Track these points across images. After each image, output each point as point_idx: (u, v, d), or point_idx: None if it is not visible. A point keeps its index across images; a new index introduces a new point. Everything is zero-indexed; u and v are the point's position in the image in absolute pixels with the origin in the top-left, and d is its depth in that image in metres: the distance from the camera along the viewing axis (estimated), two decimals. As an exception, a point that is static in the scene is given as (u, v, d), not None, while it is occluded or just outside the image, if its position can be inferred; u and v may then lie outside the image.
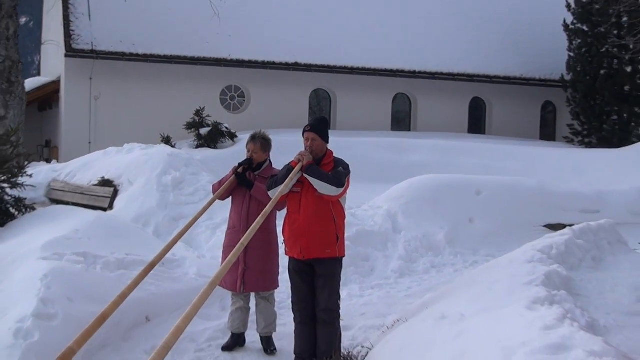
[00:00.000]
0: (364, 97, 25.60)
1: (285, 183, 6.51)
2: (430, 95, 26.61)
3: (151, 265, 5.82)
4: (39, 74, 29.99)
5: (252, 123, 20.82)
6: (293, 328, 7.02)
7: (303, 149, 6.80)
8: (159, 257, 6.05)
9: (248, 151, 7.55)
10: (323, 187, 6.61)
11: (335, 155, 7.04)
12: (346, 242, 9.91)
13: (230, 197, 7.53)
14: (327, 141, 6.97)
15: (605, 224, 8.14)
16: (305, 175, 6.64)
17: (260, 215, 5.96)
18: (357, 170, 16.38)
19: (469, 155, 18.70)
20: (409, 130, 26.26)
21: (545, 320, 4.79)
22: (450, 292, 6.68)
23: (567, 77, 26.39)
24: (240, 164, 7.41)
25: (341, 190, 6.69)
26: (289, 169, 6.70)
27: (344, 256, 7.03)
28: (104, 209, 12.22)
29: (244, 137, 15.34)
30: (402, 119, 26.97)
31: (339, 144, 18.11)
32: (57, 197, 13.64)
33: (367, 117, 25.38)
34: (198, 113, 19.27)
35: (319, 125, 6.97)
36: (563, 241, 7.20)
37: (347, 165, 6.93)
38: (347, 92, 25.62)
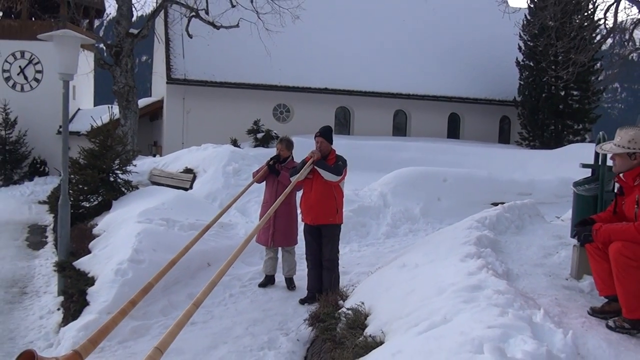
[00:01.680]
0: (373, 112, 25.44)
1: (301, 172, 6.59)
2: (420, 111, 26.37)
3: (206, 228, 5.77)
4: (150, 94, 30.30)
5: (294, 130, 20.89)
6: (306, 272, 7.11)
7: (315, 149, 6.87)
8: (212, 222, 6.02)
9: (277, 149, 7.62)
10: (328, 176, 6.68)
11: (343, 153, 7.08)
12: (349, 214, 10.07)
13: (265, 181, 7.58)
14: (331, 143, 6.97)
15: (528, 202, 8.03)
16: (315, 167, 6.70)
17: (283, 193, 6.05)
18: (363, 163, 16.55)
19: (445, 154, 18.54)
20: (405, 135, 26.05)
21: (469, 269, 4.81)
22: (413, 248, 6.68)
23: (518, 99, 26.00)
24: (271, 158, 7.48)
25: (340, 177, 6.76)
26: (304, 162, 6.77)
27: (342, 223, 7.05)
28: (186, 189, 12.34)
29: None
30: (400, 128, 26.74)
31: (353, 146, 18.34)
32: (155, 180, 13.86)
33: (375, 126, 25.23)
34: (256, 123, 19.34)
35: (325, 132, 6.98)
36: (495, 214, 7.13)
37: (345, 160, 6.95)
38: (361, 109, 25.48)
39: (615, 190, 4.42)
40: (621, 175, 4.16)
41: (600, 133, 5.73)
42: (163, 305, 6.65)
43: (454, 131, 27.54)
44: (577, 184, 6.79)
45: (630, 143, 4.05)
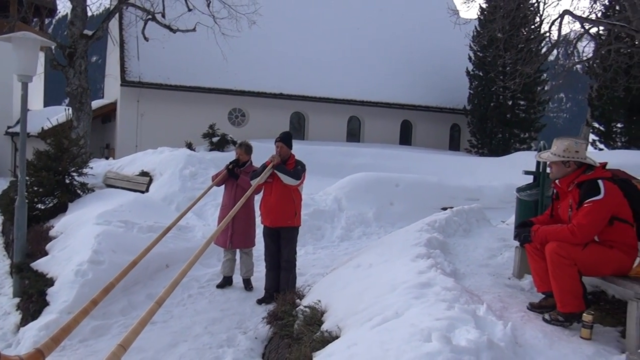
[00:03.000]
0: (327, 118, 25.81)
1: (261, 176, 6.77)
2: (374, 118, 26.87)
3: (167, 229, 5.89)
4: (103, 96, 29.90)
5: (250, 135, 21.08)
6: (264, 273, 7.29)
7: (275, 153, 7.08)
8: (173, 224, 6.13)
9: (236, 154, 7.80)
10: (287, 179, 6.89)
11: (298, 157, 7.29)
12: (305, 217, 10.23)
13: (224, 185, 7.73)
14: (290, 148, 7.16)
15: (475, 207, 8.42)
16: (275, 171, 6.89)
17: (244, 196, 6.24)
18: (318, 168, 16.79)
19: (397, 160, 18.88)
20: (359, 141, 26.50)
21: (420, 268, 5.13)
22: (367, 249, 6.96)
23: (468, 107, 26.78)
24: (230, 162, 7.65)
25: (299, 181, 6.98)
26: (264, 166, 6.97)
27: (300, 225, 7.28)
28: (142, 192, 12.33)
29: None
30: (354, 134, 27.17)
31: (308, 150, 18.51)
32: (110, 183, 13.74)
33: (330, 132, 25.62)
34: (211, 127, 19.34)
35: (285, 138, 7.17)
36: (444, 218, 7.49)
37: (304, 164, 7.18)
38: (316, 114, 25.80)
39: (552, 195, 4.81)
40: (557, 181, 4.55)
41: (541, 142, 6.17)
42: (123, 306, 6.76)
43: (406, 138, 28.14)
44: (519, 190, 7.23)
45: (565, 152, 4.44)
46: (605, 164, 4.50)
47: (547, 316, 4.34)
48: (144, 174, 13.29)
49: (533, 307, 4.61)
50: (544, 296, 4.63)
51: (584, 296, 4.23)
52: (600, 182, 4.27)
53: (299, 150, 17.27)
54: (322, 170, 15.17)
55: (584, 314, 4.08)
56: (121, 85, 22.51)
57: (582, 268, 4.20)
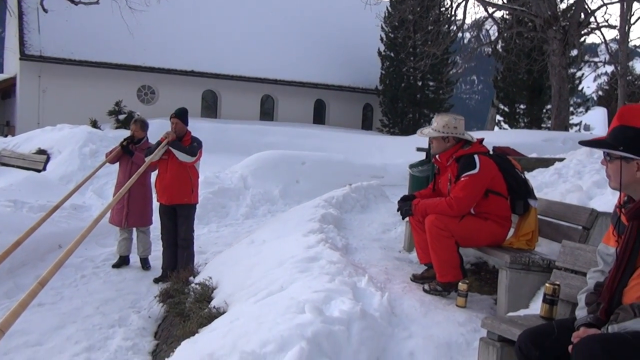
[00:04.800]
0: (241, 96, 25.56)
1: (155, 152, 6.63)
2: (288, 97, 26.87)
3: (54, 208, 5.62)
4: (2, 71, 28.24)
5: (160, 112, 20.41)
6: (162, 251, 7.17)
7: (170, 130, 6.92)
8: (61, 203, 5.85)
9: (131, 130, 7.57)
10: (182, 156, 6.77)
11: (205, 136, 7.20)
12: (208, 195, 10.16)
13: (119, 162, 7.50)
14: (186, 124, 7.01)
15: (373, 183, 8.58)
16: (170, 148, 6.75)
17: (136, 172, 6.09)
18: (228, 146, 16.61)
19: (309, 139, 18.90)
20: (272, 120, 26.42)
21: (309, 243, 5.17)
22: (264, 226, 6.98)
23: (380, 88, 27.23)
24: (125, 139, 7.42)
25: (195, 158, 6.87)
26: (159, 143, 6.82)
27: (197, 203, 7.19)
28: (39, 171, 11.82)
29: (152, 122, 15.16)
30: (268, 113, 27.10)
31: (219, 129, 18.28)
32: (5, 161, 13.06)
33: (243, 111, 25.36)
34: (117, 104, 18.73)
35: (181, 114, 7.03)
36: (342, 194, 7.59)
37: (201, 141, 7.06)
38: (229, 92, 25.52)
39: (435, 170, 4.96)
40: (437, 156, 4.69)
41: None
42: (8, 288, 6.44)
43: (319, 117, 28.32)
44: (411, 166, 7.44)
45: (444, 128, 4.57)
46: (482, 139, 4.68)
47: (426, 286, 4.49)
48: (40, 152, 12.72)
49: (415, 279, 4.75)
50: (426, 267, 4.78)
51: (461, 266, 4.40)
52: (476, 157, 4.43)
53: (210, 128, 17.17)
54: (233, 149, 15.04)
55: (460, 283, 4.25)
56: (20, 59, 21.41)
57: (459, 239, 4.37)
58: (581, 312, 2.57)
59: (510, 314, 3.56)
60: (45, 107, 21.79)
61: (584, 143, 2.68)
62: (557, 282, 3.11)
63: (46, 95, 21.88)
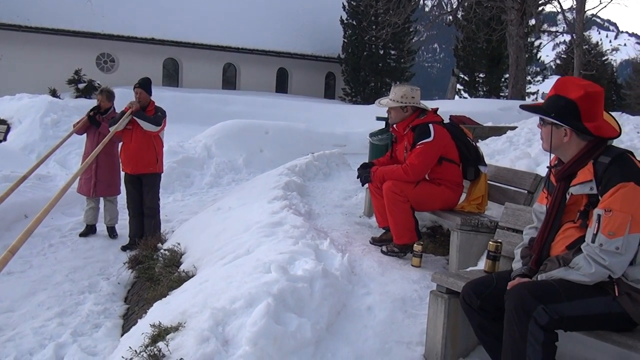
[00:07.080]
0: (202, 65, 25.35)
1: (119, 122, 6.75)
2: (250, 65, 26.75)
3: (22, 179, 5.72)
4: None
5: (120, 81, 20.19)
6: (128, 220, 7.33)
7: (134, 100, 7.03)
8: (29, 173, 5.97)
9: (97, 100, 7.63)
10: (147, 126, 6.90)
11: (167, 105, 7.25)
12: (173, 165, 10.28)
13: (86, 133, 7.55)
14: (150, 94, 7.11)
15: (335, 152, 8.83)
16: (135, 118, 6.87)
17: (101, 142, 6.21)
18: (192, 116, 16.63)
19: (272, 108, 19.01)
20: (235, 89, 26.33)
21: (274, 209, 5.42)
22: (229, 193, 7.18)
23: (342, 56, 27.33)
24: (91, 109, 7.48)
25: (159, 128, 7.00)
26: (123, 113, 6.93)
27: (162, 172, 7.33)
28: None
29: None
30: (230, 81, 26.96)
31: (181, 98, 18.22)
32: (-37, 131, 12.90)
33: (205, 79, 25.18)
34: (77, 72, 18.47)
35: (144, 84, 7.12)
36: (305, 162, 7.83)
37: (164, 111, 7.18)
38: (190, 61, 25.28)
39: (393, 139, 5.24)
40: (395, 126, 4.96)
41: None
42: (-24, 258, 6.54)
43: (282, 86, 28.32)
44: (371, 135, 7.71)
45: (402, 98, 4.84)
46: (437, 109, 4.96)
47: (384, 248, 4.80)
48: (1, 122, 12.52)
49: (375, 242, 5.06)
50: (384, 231, 5.09)
51: (416, 229, 4.72)
52: (431, 126, 4.72)
53: (172, 97, 17.12)
54: (195, 118, 15.07)
55: (415, 245, 4.57)
56: (-28, 25, 20.75)
57: (414, 204, 4.67)
58: (517, 265, 2.89)
59: (460, 271, 3.89)
60: (1, 75, 21.27)
61: (524, 107, 2.96)
62: (500, 240, 3.43)
63: (1, 64, 21.34)
